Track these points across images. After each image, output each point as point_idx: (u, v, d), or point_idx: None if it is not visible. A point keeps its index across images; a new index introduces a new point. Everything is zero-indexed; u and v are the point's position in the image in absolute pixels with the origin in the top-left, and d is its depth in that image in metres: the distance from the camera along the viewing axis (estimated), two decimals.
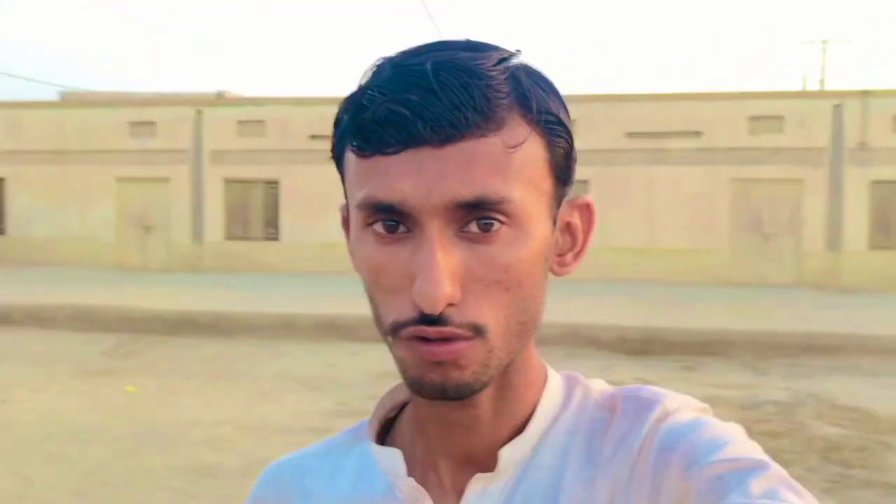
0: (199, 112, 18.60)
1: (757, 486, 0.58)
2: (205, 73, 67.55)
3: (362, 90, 0.62)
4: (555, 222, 0.67)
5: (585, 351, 10.21)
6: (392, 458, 0.71)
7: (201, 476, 5.76)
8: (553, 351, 9.75)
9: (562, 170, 0.65)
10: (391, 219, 0.61)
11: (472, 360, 0.62)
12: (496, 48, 0.64)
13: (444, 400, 0.63)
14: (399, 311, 0.61)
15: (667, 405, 0.67)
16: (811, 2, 62.36)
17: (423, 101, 0.59)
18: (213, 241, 18.59)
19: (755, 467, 0.60)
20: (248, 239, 18.60)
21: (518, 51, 0.65)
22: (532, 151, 0.62)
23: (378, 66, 0.63)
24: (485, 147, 0.59)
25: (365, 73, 0.64)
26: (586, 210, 0.70)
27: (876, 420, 7.31)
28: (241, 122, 18.40)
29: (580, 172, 0.81)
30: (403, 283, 0.60)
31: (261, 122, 18.27)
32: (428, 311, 0.59)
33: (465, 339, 0.61)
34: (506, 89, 0.61)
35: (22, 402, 7.84)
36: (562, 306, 13.47)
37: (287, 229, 18.22)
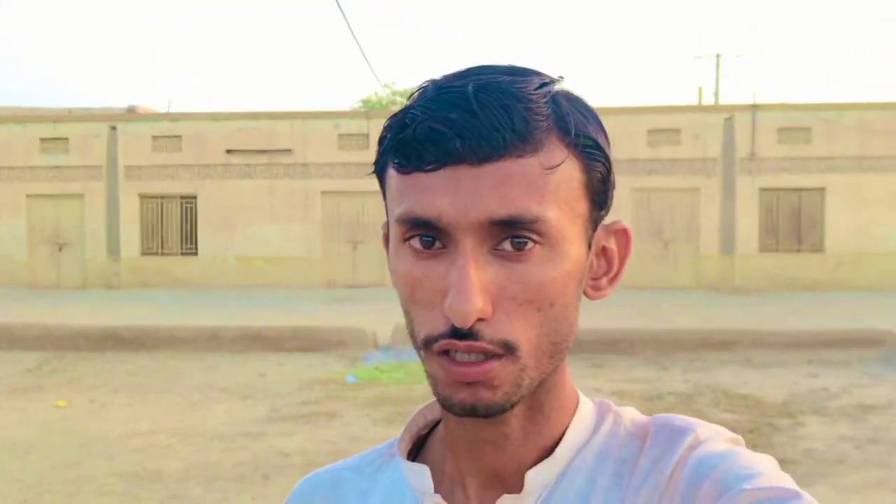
0: (112, 128, 18.50)
1: None
2: (114, 89, 65.96)
3: (406, 109, 0.64)
4: (590, 245, 0.67)
5: None
6: (420, 474, 0.72)
7: (145, 481, 6.03)
8: None
9: (598, 193, 0.66)
10: (428, 234, 0.62)
11: (503, 379, 0.62)
12: (538, 73, 0.66)
13: (474, 417, 0.64)
14: (431, 325, 0.63)
15: (699, 433, 0.67)
16: (705, 19, 65.36)
17: (463, 121, 0.60)
18: (129, 256, 18.48)
19: (787, 498, 0.59)
20: (165, 254, 18.57)
21: (560, 77, 0.67)
22: (569, 174, 0.63)
23: (423, 87, 0.65)
24: (522, 168, 0.61)
25: (411, 94, 0.66)
26: (623, 235, 0.71)
27: (764, 406, 8.11)
28: (156, 138, 18.39)
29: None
30: (437, 297, 0.62)
31: (177, 137, 18.30)
32: (458, 324, 0.60)
33: (496, 356, 0.62)
34: (545, 112, 0.62)
35: None
36: None
37: (205, 244, 18.28)
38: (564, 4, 67.63)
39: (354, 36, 37.68)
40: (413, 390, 8.73)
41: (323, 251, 18.81)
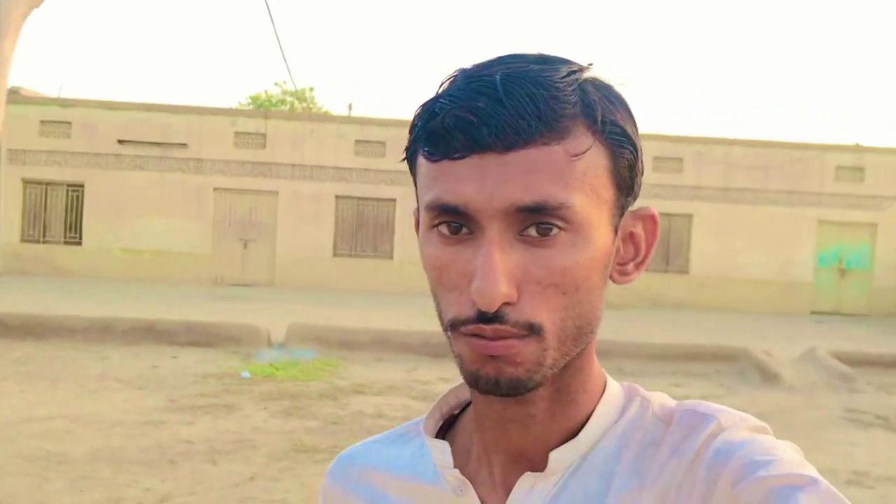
0: None
1: (806, 501, 0.58)
2: None
3: (435, 99, 0.65)
4: (616, 231, 0.68)
5: (397, 355, 11.21)
6: (442, 450, 0.74)
7: (50, 463, 6.17)
8: (365, 356, 10.74)
9: (625, 180, 0.66)
10: (455, 221, 0.63)
11: (525, 357, 0.63)
12: (567, 61, 0.66)
13: (498, 395, 0.65)
14: (458, 308, 0.64)
15: (722, 421, 0.67)
16: (583, 46, 68.06)
17: (490, 110, 0.61)
18: (7, 242, 17.88)
19: (806, 484, 0.60)
20: (46, 242, 18.07)
21: (590, 64, 0.67)
22: (595, 161, 0.64)
23: (453, 76, 0.67)
24: (547, 155, 0.62)
25: (441, 83, 0.67)
26: (650, 221, 0.71)
27: None
28: (44, 122, 17.90)
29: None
30: (463, 282, 0.63)
31: (66, 123, 17.87)
32: (484, 308, 0.61)
33: (520, 336, 0.63)
34: (572, 100, 0.63)
35: None
36: (374, 315, 14.50)
37: (90, 234, 17.91)
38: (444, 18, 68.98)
39: (276, 31, 37.00)
40: (309, 386, 9.07)
41: (213, 248, 18.76)
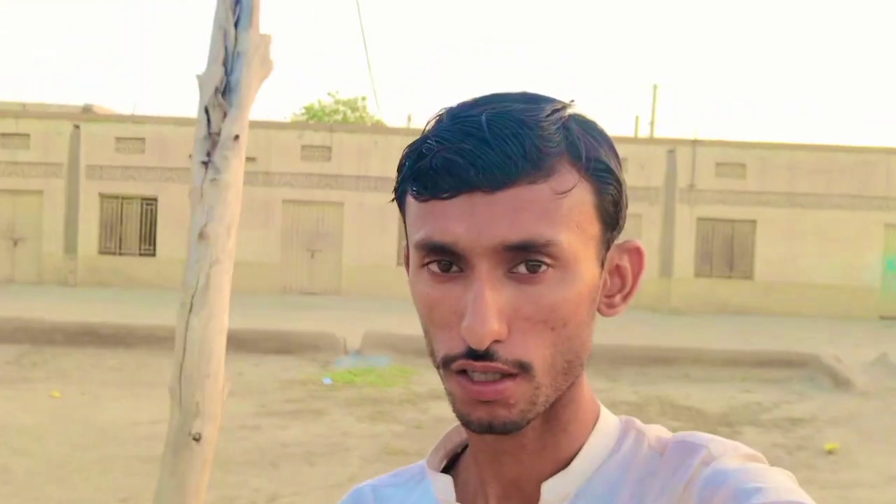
0: (76, 127, 18.68)
1: None
2: (71, 86, 64.42)
3: (423, 139, 0.67)
4: (603, 265, 0.69)
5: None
6: (445, 484, 0.75)
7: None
8: None
9: (610, 215, 0.68)
10: (445, 259, 0.65)
11: (519, 398, 0.64)
12: (551, 100, 0.68)
13: (492, 434, 0.66)
14: (449, 345, 0.65)
15: (712, 449, 0.68)
16: (643, 50, 67.74)
17: (477, 151, 0.62)
18: (86, 254, 18.64)
19: None
20: (122, 254, 18.79)
21: (572, 101, 0.69)
22: (580, 197, 0.65)
23: (438, 116, 0.68)
24: (534, 193, 0.63)
25: (427, 122, 0.69)
26: (636, 254, 0.73)
27: (706, 416, 9.06)
28: (119, 139, 18.64)
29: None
30: (454, 319, 0.64)
31: (140, 139, 18.59)
32: (474, 346, 0.62)
33: (511, 376, 0.64)
34: (556, 138, 0.64)
35: None
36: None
37: (164, 246, 18.58)
38: (507, 30, 69.23)
39: (365, 42, 36.98)
40: (387, 392, 9.39)
41: (281, 258, 19.29)
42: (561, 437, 0.71)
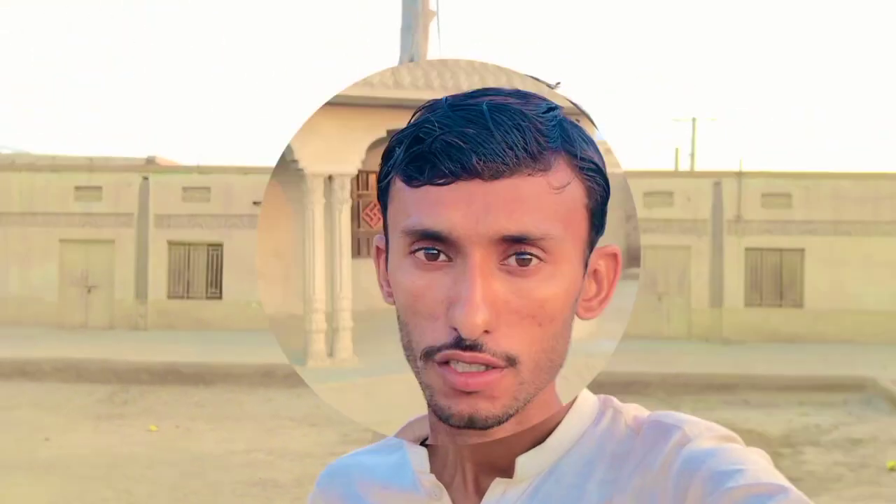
0: (145, 178, 19.72)
1: None
2: (134, 139, 66.97)
3: (419, 124, 0.65)
4: (586, 266, 0.69)
5: None
6: (420, 456, 0.76)
7: (266, 487, 7.17)
8: None
9: (597, 217, 0.68)
10: (434, 247, 0.64)
11: (503, 391, 0.64)
12: (543, 98, 0.68)
13: (470, 429, 0.66)
14: (434, 336, 0.64)
15: (687, 430, 0.68)
16: (681, 85, 68.16)
17: (479, 137, 0.62)
18: (156, 299, 19.54)
19: (775, 492, 0.60)
20: (190, 298, 19.66)
21: (558, 83, 0.71)
22: (573, 195, 0.66)
23: (432, 104, 0.67)
24: (532, 186, 0.63)
25: (415, 113, 0.67)
26: (613, 259, 0.72)
27: (767, 438, 9.41)
28: (185, 189, 19.61)
29: None
30: (440, 309, 0.64)
31: (206, 188, 19.54)
32: (465, 335, 0.62)
33: (497, 368, 0.63)
34: (554, 135, 0.65)
35: (62, 441, 8.92)
36: None
37: (229, 289, 19.40)
38: (540, 60, 70.04)
39: None
40: None
41: None
42: (537, 413, 0.70)
